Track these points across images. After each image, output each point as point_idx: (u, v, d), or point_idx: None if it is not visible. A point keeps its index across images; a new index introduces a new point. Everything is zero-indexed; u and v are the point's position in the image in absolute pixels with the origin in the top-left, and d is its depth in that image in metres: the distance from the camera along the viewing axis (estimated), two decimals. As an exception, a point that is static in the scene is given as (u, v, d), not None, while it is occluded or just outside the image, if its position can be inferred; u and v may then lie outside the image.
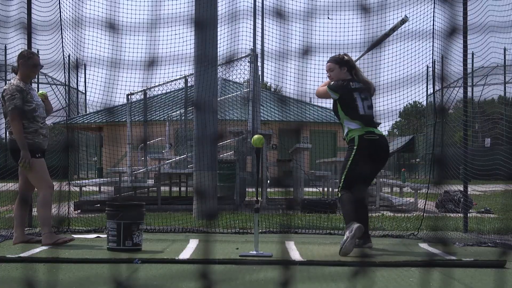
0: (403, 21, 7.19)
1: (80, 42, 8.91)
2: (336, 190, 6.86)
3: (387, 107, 9.22)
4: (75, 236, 7.97)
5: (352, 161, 6.71)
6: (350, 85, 6.88)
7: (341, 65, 6.93)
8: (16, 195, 7.58)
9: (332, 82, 6.96)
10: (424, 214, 8.91)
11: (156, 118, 18.70)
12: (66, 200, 9.16)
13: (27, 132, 7.11)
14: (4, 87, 7.34)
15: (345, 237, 6.36)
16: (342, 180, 6.76)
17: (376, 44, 7.25)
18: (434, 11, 8.51)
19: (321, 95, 7.08)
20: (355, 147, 6.73)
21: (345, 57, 7.00)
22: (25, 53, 7.35)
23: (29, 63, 7.19)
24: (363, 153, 6.70)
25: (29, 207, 7.45)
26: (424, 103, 36.53)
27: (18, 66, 7.25)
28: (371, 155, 6.73)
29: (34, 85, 9.38)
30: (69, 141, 9.21)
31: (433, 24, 8.48)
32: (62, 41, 8.97)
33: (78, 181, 14.61)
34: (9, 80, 7.54)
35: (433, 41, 8.63)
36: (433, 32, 8.49)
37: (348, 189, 6.71)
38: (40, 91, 7.64)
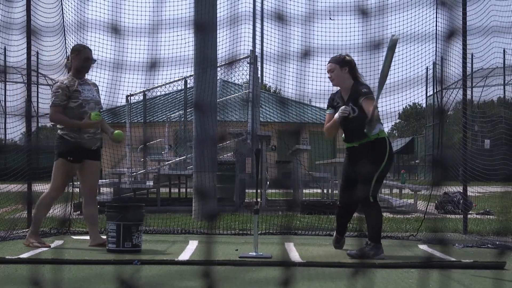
0: (394, 41, 6.54)
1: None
2: (365, 195, 6.39)
3: (387, 108, 9.24)
4: (74, 237, 7.97)
5: (387, 162, 6.50)
6: (336, 98, 6.77)
7: (342, 65, 6.70)
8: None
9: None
10: (425, 216, 8.91)
11: (156, 119, 18.69)
12: (68, 201, 9.13)
13: (72, 130, 6.95)
14: (53, 83, 7.22)
15: (367, 250, 6.31)
16: (374, 183, 6.46)
17: (384, 78, 6.79)
18: (436, 14, 8.53)
19: (328, 128, 6.81)
20: (387, 147, 6.52)
21: (346, 57, 6.78)
22: (77, 47, 7.19)
23: (80, 57, 7.02)
24: (392, 156, 6.61)
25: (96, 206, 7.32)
26: (424, 104, 36.56)
27: (70, 61, 7.10)
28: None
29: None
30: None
31: (436, 26, 8.48)
32: (65, 44, 8.96)
33: (78, 182, 14.58)
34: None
35: (436, 43, 8.64)
36: (435, 34, 8.49)
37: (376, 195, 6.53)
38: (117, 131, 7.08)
